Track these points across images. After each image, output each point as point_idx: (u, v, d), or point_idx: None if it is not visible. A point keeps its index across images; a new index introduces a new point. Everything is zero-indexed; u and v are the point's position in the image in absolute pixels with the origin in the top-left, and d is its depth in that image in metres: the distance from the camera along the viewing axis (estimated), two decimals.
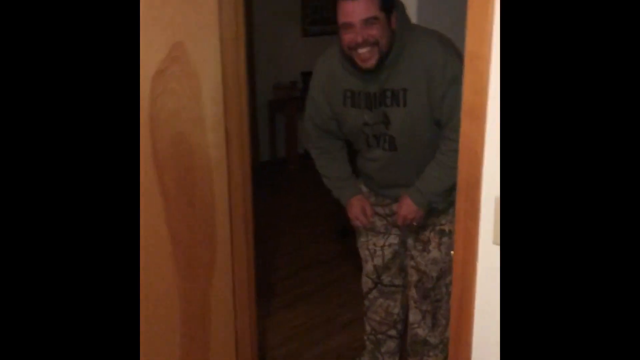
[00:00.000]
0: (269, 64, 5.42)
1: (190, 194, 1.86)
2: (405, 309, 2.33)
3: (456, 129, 1.82)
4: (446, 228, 2.10)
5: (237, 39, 1.85)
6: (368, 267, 2.30)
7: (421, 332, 2.22)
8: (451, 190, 1.94)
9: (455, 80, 1.76)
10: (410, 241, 2.17)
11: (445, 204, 2.06)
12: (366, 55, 1.81)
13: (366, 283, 2.34)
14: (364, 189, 2.20)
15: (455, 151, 1.83)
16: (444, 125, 1.90)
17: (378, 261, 2.25)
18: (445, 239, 2.11)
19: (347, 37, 1.81)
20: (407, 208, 2.01)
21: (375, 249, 2.24)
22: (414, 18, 2.49)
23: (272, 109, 5.55)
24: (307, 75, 5.52)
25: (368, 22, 1.77)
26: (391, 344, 2.38)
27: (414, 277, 2.19)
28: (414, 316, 2.24)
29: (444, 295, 2.16)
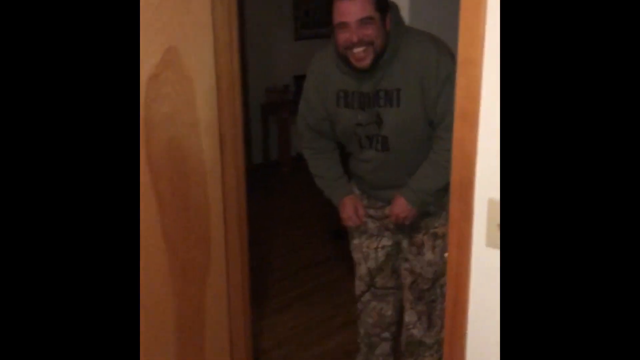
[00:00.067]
0: (261, 68, 5.43)
1: (184, 197, 1.86)
2: (398, 311, 2.34)
3: (449, 128, 1.83)
4: (439, 231, 2.12)
5: (231, 44, 1.86)
6: (361, 270, 2.30)
7: (417, 332, 2.23)
8: (444, 189, 1.96)
9: (449, 80, 1.78)
10: (404, 245, 2.18)
11: (438, 207, 2.08)
12: (361, 55, 1.83)
13: (359, 286, 2.34)
14: (357, 191, 2.21)
15: (448, 150, 1.85)
16: (437, 125, 1.91)
17: (372, 264, 2.26)
18: (438, 242, 2.12)
19: (343, 37, 1.83)
20: (400, 207, 2.02)
21: (369, 252, 2.25)
22: (406, 21, 2.50)
23: (265, 112, 5.56)
24: (299, 79, 5.57)
25: (363, 22, 1.79)
26: (385, 346, 2.39)
27: (408, 279, 2.20)
28: (409, 317, 2.25)
29: (439, 296, 2.18)
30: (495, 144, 1.22)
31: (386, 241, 2.22)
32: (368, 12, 1.79)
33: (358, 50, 1.82)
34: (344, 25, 1.81)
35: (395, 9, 1.94)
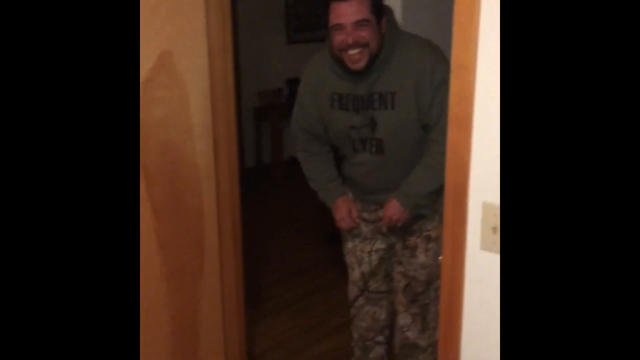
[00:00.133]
0: (254, 71, 5.43)
1: (178, 201, 1.86)
2: (392, 314, 2.35)
3: (443, 131, 1.84)
4: (432, 234, 2.12)
5: (225, 48, 1.86)
6: (355, 274, 2.30)
7: (411, 335, 2.24)
8: (437, 193, 1.97)
9: (443, 84, 1.79)
10: (398, 247, 2.18)
11: (431, 210, 2.09)
12: (356, 57, 1.84)
13: (352, 291, 2.34)
14: (350, 195, 2.21)
15: (441, 154, 1.86)
16: (431, 128, 1.93)
17: (365, 268, 2.26)
18: (431, 245, 2.13)
19: (338, 39, 1.84)
20: (393, 210, 2.03)
21: (363, 256, 2.25)
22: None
23: (258, 115, 5.56)
24: (292, 82, 5.59)
25: (359, 24, 1.81)
26: (379, 350, 2.39)
27: (401, 282, 2.20)
28: (403, 320, 2.25)
29: (432, 298, 2.18)
30: (489, 147, 1.24)
31: (380, 244, 2.23)
32: (364, 14, 1.81)
33: (353, 52, 1.83)
34: (339, 27, 1.83)
35: (390, 13, 1.95)
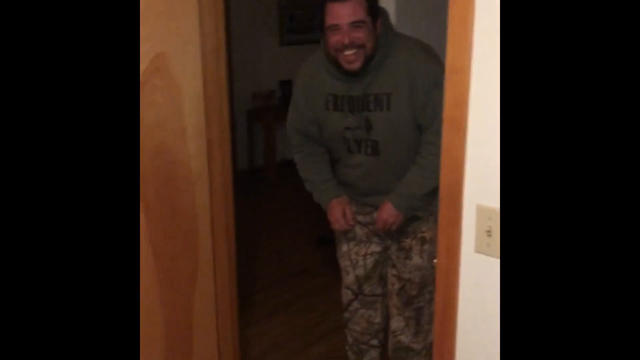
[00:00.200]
0: (247, 73, 5.43)
1: (171, 205, 1.85)
2: (386, 317, 2.35)
3: (437, 133, 1.85)
4: (427, 235, 2.13)
5: (218, 50, 1.86)
6: (349, 278, 2.30)
7: (404, 338, 2.24)
8: (431, 195, 1.97)
9: (437, 85, 1.80)
10: (393, 250, 2.18)
11: (426, 212, 2.09)
12: (352, 58, 1.85)
13: (346, 295, 2.34)
14: (345, 197, 2.21)
15: (436, 155, 1.87)
16: (425, 129, 1.93)
17: (360, 271, 2.26)
18: (426, 247, 2.13)
19: (334, 39, 1.85)
20: (387, 212, 2.03)
21: (357, 259, 2.25)
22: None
23: (251, 117, 5.56)
24: (285, 84, 5.59)
25: (355, 24, 1.82)
26: (374, 353, 2.39)
27: (395, 285, 2.20)
28: (396, 323, 2.25)
29: (427, 301, 2.18)
30: (484, 150, 1.24)
31: (374, 247, 2.23)
32: (360, 15, 1.81)
33: (349, 52, 1.84)
34: (335, 27, 1.83)
35: (385, 15, 1.96)
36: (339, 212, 2.13)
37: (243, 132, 5.56)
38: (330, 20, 1.84)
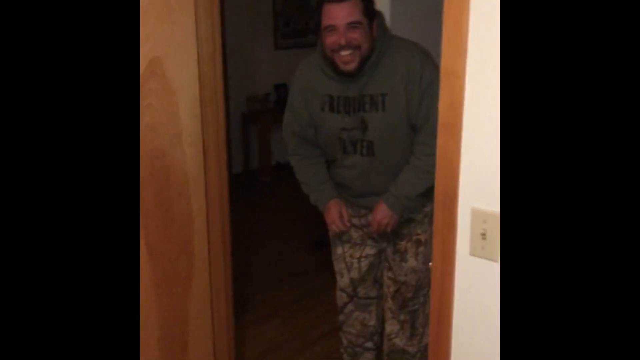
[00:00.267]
0: (241, 77, 5.43)
1: (167, 208, 1.85)
2: (381, 320, 2.35)
3: (431, 133, 1.87)
4: (422, 238, 2.14)
5: (215, 55, 1.86)
6: (344, 280, 2.30)
7: (399, 342, 2.24)
8: (426, 195, 1.98)
9: (431, 86, 1.83)
10: (388, 252, 2.19)
11: (421, 214, 2.10)
12: (348, 58, 1.87)
13: (341, 297, 2.34)
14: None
15: (430, 155, 1.88)
16: (419, 130, 1.95)
17: (354, 274, 2.27)
18: (421, 249, 2.14)
19: (331, 40, 1.87)
20: (382, 213, 2.03)
21: (352, 261, 2.26)
22: None
23: (245, 121, 5.56)
24: (279, 88, 5.59)
25: (351, 25, 1.84)
26: (368, 356, 2.39)
27: (391, 288, 2.21)
28: (391, 327, 2.25)
29: (421, 304, 2.19)
30: (479, 154, 1.25)
31: (369, 250, 2.23)
32: (356, 16, 1.84)
33: (345, 53, 1.86)
34: (332, 28, 1.85)
35: (381, 17, 1.99)
36: (335, 213, 2.13)
37: (238, 135, 5.57)
38: (326, 21, 1.86)
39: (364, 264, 2.25)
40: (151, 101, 1.72)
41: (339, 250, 2.28)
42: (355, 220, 2.20)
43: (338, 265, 2.30)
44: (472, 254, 1.30)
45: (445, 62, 1.26)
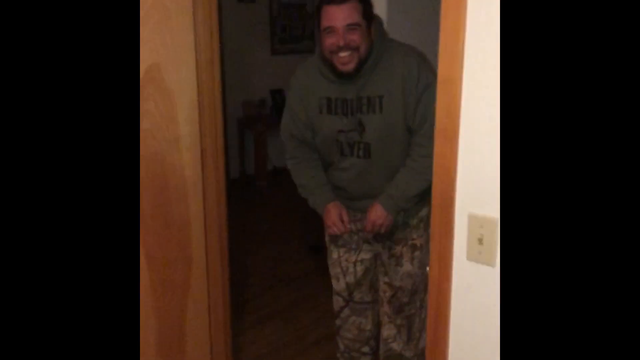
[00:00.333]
0: (238, 82, 5.45)
1: (165, 213, 1.86)
2: (377, 325, 2.36)
3: (427, 135, 1.90)
4: (418, 242, 2.14)
5: (213, 61, 1.88)
6: (340, 285, 2.31)
7: (396, 346, 2.25)
8: (421, 197, 1.99)
9: (428, 89, 1.86)
10: (384, 257, 2.20)
11: (416, 219, 2.11)
12: (346, 59, 1.89)
13: (337, 302, 2.34)
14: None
15: (425, 157, 1.90)
16: (415, 132, 1.96)
17: (350, 278, 2.27)
18: (417, 254, 2.15)
19: (330, 41, 1.89)
20: (376, 213, 2.04)
21: (348, 266, 2.26)
22: None
23: (242, 126, 5.57)
24: (276, 93, 5.61)
25: (350, 27, 1.86)
26: None
27: (387, 293, 2.22)
28: (388, 331, 2.26)
29: (418, 308, 2.20)
30: (475, 160, 1.26)
31: (364, 254, 2.24)
32: (355, 18, 1.86)
33: (344, 54, 1.88)
34: (331, 29, 1.88)
35: (379, 21, 2.02)
36: (336, 215, 2.12)
37: (234, 140, 5.58)
38: (326, 23, 1.88)
39: (360, 268, 2.25)
40: (149, 106, 1.73)
41: (335, 254, 2.28)
42: (351, 225, 2.20)
43: (334, 270, 2.31)
44: (469, 258, 1.31)
45: (442, 69, 1.27)
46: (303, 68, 2.13)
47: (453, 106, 1.26)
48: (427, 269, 1.41)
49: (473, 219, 1.28)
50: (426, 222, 2.13)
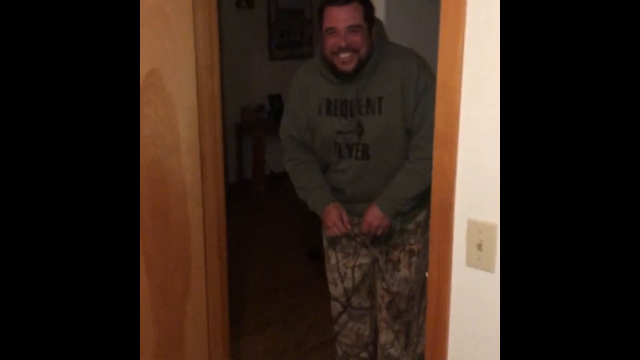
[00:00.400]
0: (236, 87, 5.46)
1: (164, 219, 1.86)
2: (375, 330, 2.36)
3: (424, 137, 1.91)
4: (415, 248, 2.15)
5: (212, 66, 1.88)
6: (338, 290, 2.30)
7: (394, 352, 2.25)
8: (419, 200, 2.00)
9: (427, 91, 1.89)
10: (381, 262, 2.20)
11: (413, 224, 2.12)
12: (347, 59, 1.92)
13: (335, 307, 2.34)
14: None
15: (423, 159, 1.91)
16: (414, 134, 1.97)
17: (348, 284, 2.27)
18: (414, 259, 2.15)
19: (331, 42, 1.92)
20: (373, 214, 2.04)
21: (346, 271, 2.26)
22: None
23: (240, 131, 5.58)
24: (274, 98, 5.62)
25: (352, 29, 1.90)
26: None
27: (385, 298, 2.22)
28: (385, 337, 2.26)
29: (415, 314, 2.20)
30: (474, 166, 1.27)
31: (362, 259, 2.23)
32: (357, 20, 1.90)
33: (345, 55, 1.91)
34: (333, 30, 1.91)
35: (380, 24, 2.05)
36: (336, 215, 2.10)
37: (232, 145, 5.58)
38: (328, 23, 1.91)
39: (358, 274, 2.25)
40: (149, 112, 1.73)
41: (333, 260, 2.28)
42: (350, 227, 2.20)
43: (331, 275, 2.31)
44: (468, 264, 1.31)
45: (441, 76, 1.28)
46: (303, 69, 2.15)
47: (452, 113, 1.27)
48: (426, 274, 1.42)
49: (472, 225, 1.29)
50: (423, 227, 2.13)
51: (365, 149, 2.02)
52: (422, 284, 2.17)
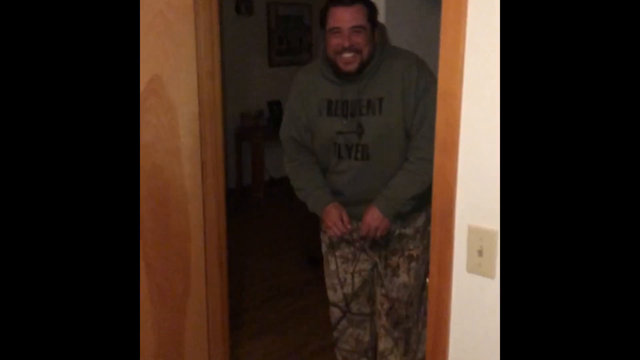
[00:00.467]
0: (236, 93, 5.47)
1: (165, 224, 1.86)
2: (375, 336, 2.35)
3: (425, 138, 1.92)
4: (414, 253, 2.14)
5: (214, 72, 1.89)
6: (337, 295, 2.30)
7: (393, 358, 2.25)
8: (418, 200, 2.00)
9: (427, 92, 1.90)
10: (380, 268, 2.20)
11: (412, 229, 2.12)
12: (349, 59, 1.94)
13: (334, 313, 2.34)
14: None
15: (422, 159, 1.92)
16: (414, 134, 1.98)
17: (348, 289, 2.27)
18: (413, 264, 2.15)
19: (335, 41, 1.94)
20: (372, 215, 2.03)
21: (346, 277, 2.26)
22: None
23: (239, 137, 5.58)
24: (273, 105, 5.63)
25: (355, 29, 1.92)
26: None
27: (384, 305, 2.21)
28: (385, 344, 2.25)
29: (415, 320, 2.20)
30: (475, 172, 1.27)
31: (362, 265, 2.23)
32: (361, 21, 1.92)
33: (347, 55, 1.93)
34: (337, 30, 1.93)
35: (383, 28, 2.07)
36: (336, 215, 2.08)
37: (231, 151, 5.58)
38: (332, 23, 1.93)
39: (357, 279, 2.25)
40: (150, 118, 1.74)
41: (332, 265, 2.28)
42: (347, 236, 2.19)
43: (331, 281, 2.30)
44: (469, 270, 1.32)
45: (442, 83, 1.29)
46: (304, 70, 2.17)
47: (453, 119, 1.28)
48: (427, 280, 1.42)
49: (473, 231, 1.29)
50: (422, 232, 2.14)
51: (364, 150, 2.02)
52: (421, 290, 2.18)
